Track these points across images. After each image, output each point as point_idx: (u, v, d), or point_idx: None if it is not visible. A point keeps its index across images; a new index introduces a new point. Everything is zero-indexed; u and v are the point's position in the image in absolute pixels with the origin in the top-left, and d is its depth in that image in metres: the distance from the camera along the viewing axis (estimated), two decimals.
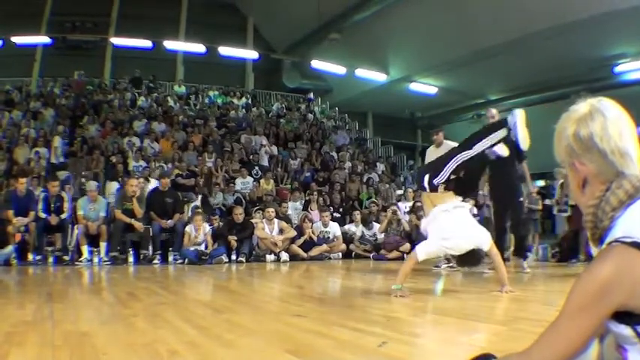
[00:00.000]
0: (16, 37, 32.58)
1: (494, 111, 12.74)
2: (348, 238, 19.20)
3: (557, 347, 2.00)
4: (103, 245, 15.98)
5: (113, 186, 19.49)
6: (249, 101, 35.51)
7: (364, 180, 25.71)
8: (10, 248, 15.15)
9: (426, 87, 35.47)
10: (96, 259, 15.75)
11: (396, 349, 4.24)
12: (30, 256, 15.58)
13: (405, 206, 19.87)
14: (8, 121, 25.61)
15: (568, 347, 1.99)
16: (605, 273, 1.92)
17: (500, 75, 31.34)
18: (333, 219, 19.53)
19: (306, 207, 20.92)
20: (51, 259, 15.77)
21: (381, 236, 18.49)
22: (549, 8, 23.32)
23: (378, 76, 35.35)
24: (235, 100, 34.73)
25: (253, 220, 18.29)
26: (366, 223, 19.31)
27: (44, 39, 34.27)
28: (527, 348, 2.11)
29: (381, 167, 28.48)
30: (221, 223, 18.09)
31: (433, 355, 4.26)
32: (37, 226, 15.78)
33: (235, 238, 17.26)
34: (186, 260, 16.24)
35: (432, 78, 34.70)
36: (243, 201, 20.95)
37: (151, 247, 16.48)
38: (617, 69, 27.71)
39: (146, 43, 35.10)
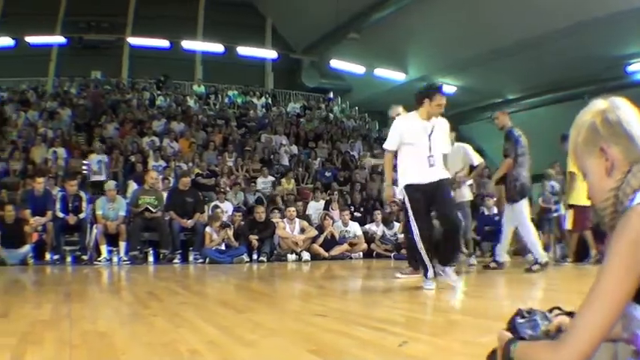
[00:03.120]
0: (31, 37, 32.72)
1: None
2: (369, 238, 19.02)
3: (600, 314, 1.97)
4: (122, 245, 15.92)
5: (132, 185, 19.29)
6: (269, 101, 35.49)
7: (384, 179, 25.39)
8: (26, 248, 15.14)
9: (444, 86, 35.14)
10: (115, 259, 15.76)
11: (416, 349, 4.17)
12: (47, 256, 15.58)
13: None
14: (24, 120, 25.58)
15: (612, 311, 1.96)
16: (635, 228, 1.95)
17: (517, 74, 31.05)
18: (354, 218, 19.45)
19: (327, 207, 20.75)
20: (69, 259, 15.68)
21: (401, 236, 18.29)
22: (566, 7, 23.18)
23: (397, 76, 35.29)
24: (255, 100, 34.70)
25: (274, 220, 18.19)
26: (386, 222, 19.19)
27: (59, 39, 34.41)
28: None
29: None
30: (242, 223, 17.95)
31: (453, 355, 4.13)
32: (54, 226, 15.65)
33: (257, 237, 17.19)
34: (207, 260, 16.21)
35: (451, 77, 34.26)
36: (264, 200, 20.81)
37: (170, 247, 16.34)
38: (630, 68, 27.52)
39: (163, 43, 35.24)
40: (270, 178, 22.93)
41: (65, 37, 34.38)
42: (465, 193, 13.18)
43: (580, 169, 2.30)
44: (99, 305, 7.42)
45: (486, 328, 4.81)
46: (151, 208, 16.23)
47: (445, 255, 8.83)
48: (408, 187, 8.71)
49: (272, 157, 25.98)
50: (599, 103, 2.25)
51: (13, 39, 32.31)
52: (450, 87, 34.12)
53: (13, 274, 12.64)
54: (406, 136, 8.80)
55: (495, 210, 17.40)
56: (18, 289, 10.12)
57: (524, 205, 12.17)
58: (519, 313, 2.50)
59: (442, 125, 9.03)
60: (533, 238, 12.15)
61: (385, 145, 9.19)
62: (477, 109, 35.86)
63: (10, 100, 27.70)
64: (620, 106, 2.23)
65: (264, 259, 16.93)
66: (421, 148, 8.69)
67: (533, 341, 2.31)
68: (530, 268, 11.78)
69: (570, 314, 2.44)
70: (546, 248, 15.54)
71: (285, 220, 18.08)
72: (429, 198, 8.67)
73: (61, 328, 5.15)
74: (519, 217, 12.13)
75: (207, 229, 16.71)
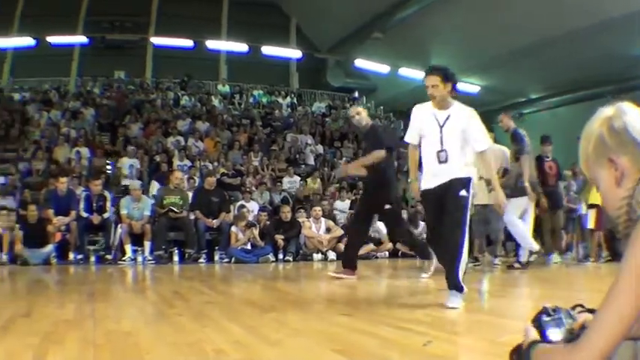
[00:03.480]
0: (52, 37, 32.86)
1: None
2: None
3: (617, 316, 1.95)
4: (147, 244, 15.91)
5: (155, 185, 19.23)
6: (294, 100, 35.47)
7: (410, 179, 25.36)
8: (49, 247, 15.07)
9: (468, 86, 35.12)
10: (140, 258, 15.74)
11: (440, 348, 4.17)
12: (71, 256, 15.53)
13: None
14: (46, 120, 25.60)
15: (629, 313, 1.93)
16: None
17: (539, 73, 31.07)
18: (380, 218, 19.48)
19: (352, 206, 20.45)
20: (92, 259, 15.66)
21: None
22: (588, 6, 23.14)
23: (420, 75, 34.94)
24: (280, 100, 34.67)
25: (300, 219, 18.19)
26: (412, 221, 19.00)
27: (81, 39, 34.55)
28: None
29: None
30: (268, 222, 17.94)
31: (477, 354, 4.16)
32: (78, 225, 15.64)
33: (282, 237, 17.21)
34: (233, 259, 16.21)
35: (475, 77, 34.48)
36: (290, 200, 20.81)
37: (196, 246, 16.32)
38: None
39: (187, 43, 35.35)
40: (296, 178, 22.89)
41: (87, 37, 34.54)
42: (484, 197, 13.14)
43: (592, 180, 2.28)
44: (123, 305, 7.41)
45: (509, 328, 4.85)
46: (174, 209, 16.21)
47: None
48: (422, 195, 7.50)
49: (297, 156, 25.99)
50: (606, 111, 2.21)
51: (33, 39, 32.49)
52: (473, 87, 34.32)
53: (35, 274, 12.57)
54: (420, 126, 7.36)
55: None
56: (41, 288, 10.07)
57: (520, 203, 12.51)
58: (544, 311, 2.49)
59: (461, 115, 7.16)
60: (523, 233, 12.63)
61: (405, 138, 7.79)
62: (501, 109, 35.71)
63: (32, 100, 27.78)
64: (627, 111, 2.18)
65: (290, 258, 16.95)
66: (432, 142, 7.13)
67: (549, 346, 2.32)
68: (513, 265, 12.60)
69: (593, 311, 2.39)
70: (569, 248, 15.51)
71: (311, 219, 18.06)
72: (440, 204, 7.04)
73: (84, 327, 5.13)
74: (510, 214, 12.27)
75: (233, 228, 16.67)
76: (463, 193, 6.86)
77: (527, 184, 12.39)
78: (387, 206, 10.95)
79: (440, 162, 7.04)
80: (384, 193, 10.88)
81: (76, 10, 34.72)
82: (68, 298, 7.68)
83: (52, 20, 32.67)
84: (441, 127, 7.06)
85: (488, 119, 14.74)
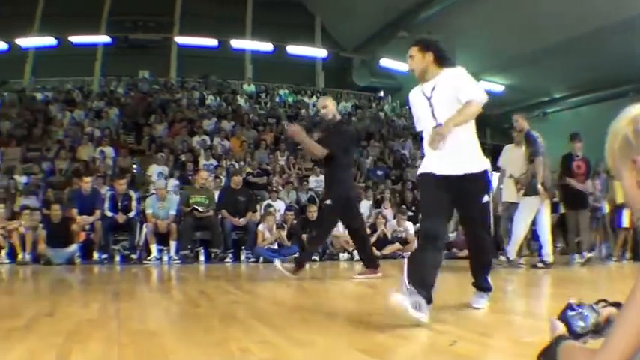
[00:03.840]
0: (74, 37, 33.05)
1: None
2: None
3: (638, 319, 1.96)
4: (172, 244, 15.91)
5: (175, 182, 19.51)
6: None
7: None
8: (73, 247, 15.11)
9: (493, 85, 35.13)
10: (165, 258, 15.79)
11: (466, 348, 4.14)
12: (95, 255, 15.58)
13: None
14: (70, 120, 25.73)
15: None
16: None
17: (563, 72, 30.95)
18: (408, 218, 19.42)
19: (378, 205, 20.84)
20: (117, 258, 15.67)
21: (453, 234, 18.28)
22: (612, 4, 23.11)
23: None
24: (306, 99, 34.72)
25: None
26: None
27: (104, 38, 34.75)
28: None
29: None
30: (294, 222, 17.92)
31: (502, 354, 4.12)
32: (103, 225, 15.66)
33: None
34: (260, 258, 16.23)
35: (499, 76, 34.53)
36: (317, 199, 20.59)
37: (222, 246, 16.35)
38: None
39: (212, 42, 35.46)
40: (322, 177, 22.64)
41: (110, 37, 34.74)
42: (512, 195, 13.12)
43: (617, 178, 2.26)
44: (148, 304, 7.39)
45: (534, 328, 4.90)
46: (198, 208, 16.17)
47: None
48: (422, 178, 6.12)
49: None
50: (632, 110, 2.13)
51: (55, 39, 32.65)
52: (498, 86, 34.19)
53: (59, 273, 12.58)
54: (415, 110, 6.25)
55: None
56: (64, 288, 10.02)
57: (533, 202, 12.58)
58: (569, 306, 2.60)
59: (448, 79, 5.96)
60: (520, 235, 12.73)
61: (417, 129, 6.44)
62: (525, 108, 35.65)
63: (55, 100, 27.93)
64: None
65: (317, 258, 16.85)
66: (426, 120, 5.97)
67: (578, 344, 2.40)
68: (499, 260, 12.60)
69: (616, 305, 2.51)
70: (592, 247, 15.49)
71: None
72: (450, 200, 5.90)
73: (108, 327, 5.07)
74: (523, 212, 12.62)
75: (260, 227, 16.74)
76: (486, 199, 5.99)
77: (539, 186, 12.42)
78: (328, 202, 10.72)
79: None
80: (331, 191, 10.68)
81: (98, 10, 34.95)
82: (92, 297, 7.66)
83: (74, 20, 32.85)
84: (429, 99, 5.98)
85: (511, 118, 14.83)
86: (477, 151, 5.96)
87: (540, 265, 12.57)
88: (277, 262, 10.89)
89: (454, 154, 5.74)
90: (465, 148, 5.82)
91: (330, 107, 10.80)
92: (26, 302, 7.31)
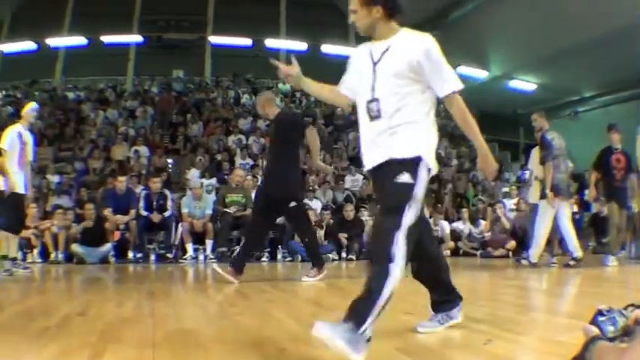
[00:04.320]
0: (106, 37, 33.25)
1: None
2: (456, 236, 19.15)
3: None
4: (208, 243, 15.99)
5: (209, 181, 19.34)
6: None
7: (470, 177, 25.61)
8: (107, 246, 15.19)
9: (524, 84, 35.51)
10: (201, 257, 15.90)
11: (500, 347, 4.15)
12: (130, 254, 15.65)
13: (510, 203, 19.67)
14: (103, 119, 25.83)
15: None
16: None
17: (593, 71, 30.83)
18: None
19: None
20: (152, 257, 15.75)
21: (488, 234, 18.39)
22: None
23: (478, 73, 35.36)
24: None
25: (363, 218, 18.20)
26: (473, 220, 19.31)
27: (136, 38, 34.93)
28: None
29: None
30: (331, 221, 18.00)
31: (535, 353, 4.13)
32: (137, 224, 15.71)
33: (346, 235, 17.25)
34: (296, 257, 16.28)
35: (531, 75, 34.67)
36: (354, 198, 20.77)
37: None
38: None
39: (245, 42, 35.55)
40: (359, 177, 22.79)
41: (143, 37, 34.94)
42: (536, 196, 13.25)
43: None
44: (184, 303, 7.44)
45: (567, 327, 4.95)
46: (228, 211, 16.15)
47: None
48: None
49: (360, 154, 25.83)
50: None
51: (86, 38, 32.84)
52: (530, 84, 34.66)
53: (92, 273, 12.67)
54: (354, 71, 4.73)
55: (575, 208, 17.34)
56: (98, 287, 10.03)
57: (553, 204, 12.49)
58: (599, 312, 2.80)
59: (408, 44, 4.41)
60: (541, 237, 12.64)
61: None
62: (556, 107, 35.74)
63: (88, 99, 28.05)
64: None
65: (353, 257, 16.92)
66: (364, 89, 4.40)
67: (611, 344, 2.58)
68: (519, 260, 13.22)
69: None
70: (623, 246, 15.46)
71: (374, 218, 17.81)
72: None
73: (143, 326, 5.09)
74: (542, 214, 12.62)
75: None
76: (404, 178, 4.06)
77: (548, 191, 12.43)
78: (293, 204, 9.76)
79: (372, 118, 4.31)
80: (286, 190, 9.74)
81: (130, 10, 35.15)
82: (127, 296, 7.67)
83: (104, 20, 33.05)
84: (375, 64, 4.38)
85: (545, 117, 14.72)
86: (414, 128, 4.28)
87: (572, 262, 12.46)
88: (215, 265, 10.43)
89: (383, 134, 4.26)
90: (397, 124, 4.25)
91: (266, 109, 10.10)
92: (59, 301, 7.22)
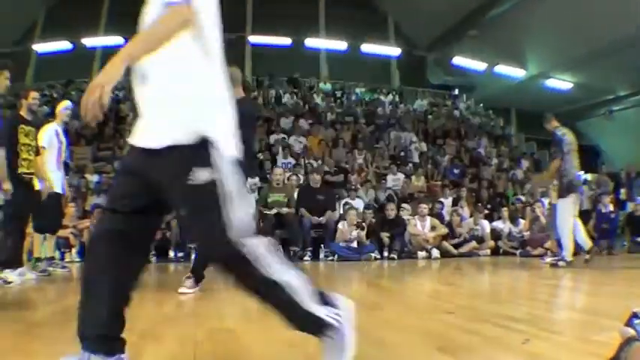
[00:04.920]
0: None
1: None
2: (496, 235, 19.06)
3: None
4: None
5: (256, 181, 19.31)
6: (396, 98, 35.39)
7: (509, 176, 25.54)
8: None
9: (561, 83, 35.49)
10: None
11: (538, 346, 4.17)
12: (171, 253, 15.69)
13: (548, 202, 19.52)
14: None
15: None
16: None
17: (629, 70, 30.71)
18: (484, 216, 19.37)
19: (456, 203, 20.77)
20: (193, 256, 15.72)
21: (527, 233, 18.46)
22: None
23: (516, 72, 35.50)
24: (382, 97, 34.57)
25: (404, 217, 18.20)
26: (512, 219, 19.26)
27: None
28: None
29: (525, 163, 28.03)
30: (373, 220, 17.98)
31: (572, 352, 4.06)
32: (178, 223, 15.49)
33: (387, 234, 17.26)
34: (337, 256, 16.32)
35: (568, 74, 34.69)
36: (395, 197, 20.70)
37: (301, 244, 16.41)
38: None
39: (285, 41, 35.56)
40: (400, 175, 22.74)
41: None
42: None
43: None
44: (225, 302, 7.52)
45: (603, 326, 4.94)
46: (268, 212, 16.27)
47: None
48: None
49: (402, 154, 25.99)
50: None
51: (123, 38, 33.03)
52: (566, 83, 35.33)
53: None
54: None
55: (611, 207, 17.30)
56: (137, 286, 9.99)
57: (569, 201, 12.64)
58: (635, 315, 2.83)
59: None
60: (566, 237, 12.56)
61: None
62: (592, 106, 35.72)
63: (126, 99, 28.17)
64: None
65: (395, 256, 16.95)
66: None
67: None
68: (556, 263, 12.47)
69: None
70: None
71: (416, 217, 18.01)
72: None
73: (184, 325, 5.31)
74: (563, 212, 12.66)
75: (340, 225, 16.80)
76: (199, 176, 3.11)
77: (552, 188, 12.99)
78: None
79: (139, 83, 3.36)
80: None
81: None
82: (167, 295, 7.86)
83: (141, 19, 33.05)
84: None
85: (579, 116, 14.74)
86: (189, 89, 3.20)
87: (587, 256, 12.81)
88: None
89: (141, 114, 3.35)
90: (153, 106, 3.28)
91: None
92: None
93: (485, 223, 19.00)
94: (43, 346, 4.33)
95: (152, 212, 3.46)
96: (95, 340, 3.30)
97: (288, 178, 18.27)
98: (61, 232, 13.55)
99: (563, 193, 12.61)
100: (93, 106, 2.94)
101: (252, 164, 10.32)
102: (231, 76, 7.62)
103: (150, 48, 3.11)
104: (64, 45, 33.17)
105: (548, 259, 13.42)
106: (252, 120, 8.88)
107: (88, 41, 33.65)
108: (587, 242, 12.76)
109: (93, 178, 19.72)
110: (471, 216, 19.39)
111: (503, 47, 33.38)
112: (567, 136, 12.79)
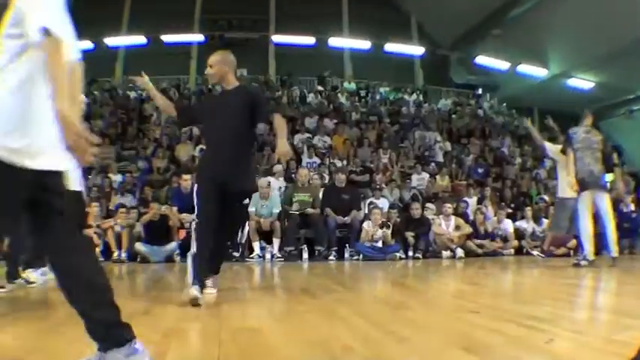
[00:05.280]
0: (166, 36, 33.64)
1: None
2: (519, 235, 18.86)
3: None
4: (275, 242, 15.96)
5: (282, 183, 19.16)
6: (420, 97, 35.35)
7: (533, 176, 25.37)
8: (172, 245, 15.28)
9: (582, 82, 35.25)
10: (268, 256, 15.81)
11: (561, 346, 4.18)
12: None
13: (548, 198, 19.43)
14: (167, 119, 25.88)
15: None
16: None
17: None
18: (507, 215, 19.30)
19: (480, 202, 20.44)
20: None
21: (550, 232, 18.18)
22: None
23: (538, 72, 35.25)
24: (406, 97, 34.51)
25: (429, 216, 18.10)
26: (536, 219, 19.00)
27: (198, 37, 35.12)
28: None
29: (548, 163, 27.95)
30: (398, 219, 17.87)
31: (595, 352, 4.00)
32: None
33: (412, 234, 17.14)
34: (362, 256, 16.19)
35: (590, 73, 34.28)
36: (420, 197, 20.57)
37: (326, 244, 16.35)
38: None
39: (309, 40, 35.48)
40: (425, 175, 22.64)
41: (205, 36, 35.08)
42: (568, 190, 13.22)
43: None
44: (250, 302, 7.42)
45: (625, 326, 4.96)
46: (293, 212, 16.27)
47: None
48: None
49: (426, 153, 25.91)
50: None
51: (145, 37, 33.10)
52: (588, 83, 34.83)
53: (157, 272, 12.69)
54: None
55: (632, 207, 17.21)
56: (162, 286, 10.04)
57: (582, 198, 12.56)
58: None
59: None
60: (582, 233, 12.53)
61: None
62: (613, 105, 35.50)
63: (150, 99, 28.29)
64: None
65: (420, 255, 16.91)
66: None
67: None
68: (578, 262, 12.30)
69: None
70: None
71: (440, 217, 17.93)
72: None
73: (209, 325, 5.26)
74: (579, 209, 12.59)
75: (365, 224, 16.59)
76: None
77: (572, 179, 12.57)
78: (246, 201, 7.67)
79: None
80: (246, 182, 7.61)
81: (190, 9, 35.54)
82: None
83: (164, 19, 33.49)
84: None
85: (601, 116, 14.66)
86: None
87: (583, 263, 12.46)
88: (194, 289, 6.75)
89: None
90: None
91: (223, 70, 7.74)
92: (121, 300, 7.11)
93: (509, 221, 18.86)
94: (67, 345, 4.27)
95: None
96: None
97: (312, 178, 18.08)
98: (85, 232, 13.53)
99: (578, 191, 12.60)
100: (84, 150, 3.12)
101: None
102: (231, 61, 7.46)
103: (66, 93, 3.11)
104: (86, 45, 33.18)
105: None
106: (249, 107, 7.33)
107: (110, 41, 33.84)
108: (614, 249, 12.55)
109: (116, 177, 19.71)
110: (494, 215, 19.26)
111: (525, 46, 33.27)
112: (578, 135, 12.86)
